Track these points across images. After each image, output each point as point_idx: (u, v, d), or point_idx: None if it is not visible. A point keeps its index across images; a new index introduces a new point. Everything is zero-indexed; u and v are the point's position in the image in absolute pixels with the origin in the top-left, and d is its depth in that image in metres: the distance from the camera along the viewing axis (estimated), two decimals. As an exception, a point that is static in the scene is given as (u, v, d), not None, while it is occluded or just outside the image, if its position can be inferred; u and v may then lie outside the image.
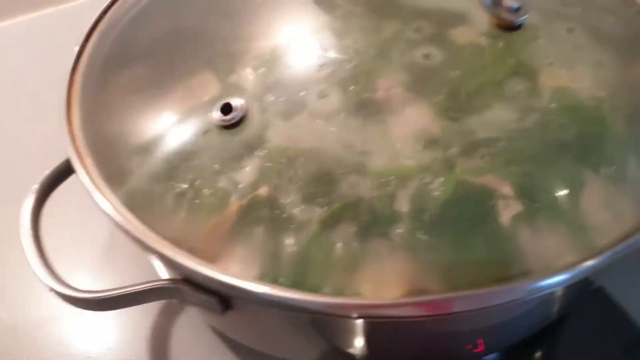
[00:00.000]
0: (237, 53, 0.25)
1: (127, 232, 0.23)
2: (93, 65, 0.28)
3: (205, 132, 0.23)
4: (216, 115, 0.23)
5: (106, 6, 0.32)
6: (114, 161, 0.24)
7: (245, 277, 0.21)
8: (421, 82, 0.24)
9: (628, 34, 0.26)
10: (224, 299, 0.24)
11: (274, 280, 0.21)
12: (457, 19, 0.25)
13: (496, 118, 0.23)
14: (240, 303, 0.24)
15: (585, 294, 0.31)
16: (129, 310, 0.26)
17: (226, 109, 0.23)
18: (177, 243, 0.23)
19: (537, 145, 0.22)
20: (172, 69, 0.26)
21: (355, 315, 0.21)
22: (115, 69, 0.27)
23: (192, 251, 0.22)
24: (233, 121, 0.23)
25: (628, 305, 0.33)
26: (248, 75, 0.24)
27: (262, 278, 0.21)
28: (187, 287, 0.24)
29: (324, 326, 0.25)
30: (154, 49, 0.27)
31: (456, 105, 0.23)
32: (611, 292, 0.33)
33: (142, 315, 0.34)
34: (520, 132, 0.22)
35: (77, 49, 0.29)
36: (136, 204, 0.23)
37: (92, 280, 0.36)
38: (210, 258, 0.22)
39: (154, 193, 0.23)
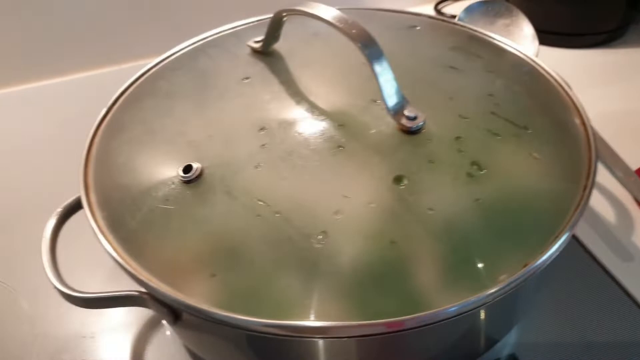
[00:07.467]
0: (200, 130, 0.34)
1: (107, 252, 0.30)
2: (111, 128, 0.37)
3: (172, 184, 0.32)
4: (180, 173, 0.32)
5: (134, 79, 0.41)
6: (114, 204, 0.33)
7: (186, 298, 0.28)
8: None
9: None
10: (173, 311, 0.31)
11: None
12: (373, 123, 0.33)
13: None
14: (186, 316, 0.31)
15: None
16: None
17: (187, 169, 0.32)
18: (151, 268, 0.29)
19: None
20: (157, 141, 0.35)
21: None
22: (125, 136, 0.36)
23: (158, 275, 0.29)
24: (192, 177, 0.31)
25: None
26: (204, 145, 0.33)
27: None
28: (148, 298, 0.31)
29: (257, 344, 0.31)
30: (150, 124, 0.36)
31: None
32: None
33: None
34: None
35: (104, 110, 0.39)
36: (127, 239, 0.31)
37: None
38: (172, 280, 0.29)
39: (138, 230, 0.31)
